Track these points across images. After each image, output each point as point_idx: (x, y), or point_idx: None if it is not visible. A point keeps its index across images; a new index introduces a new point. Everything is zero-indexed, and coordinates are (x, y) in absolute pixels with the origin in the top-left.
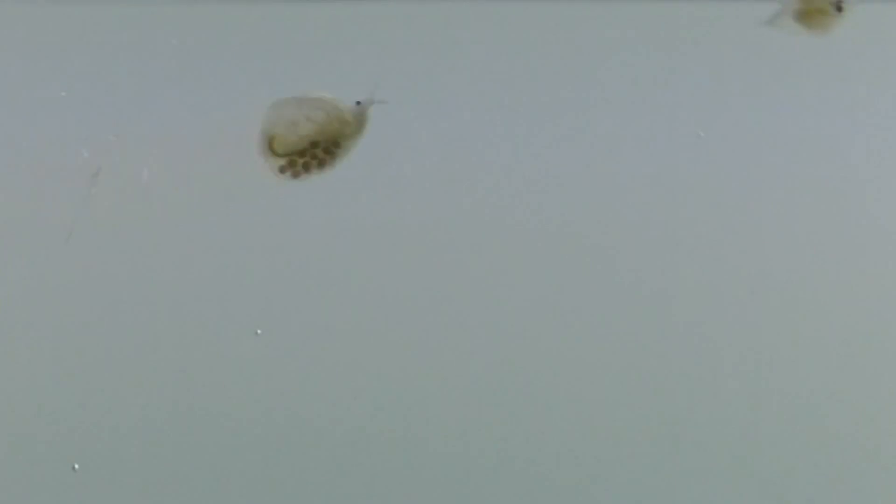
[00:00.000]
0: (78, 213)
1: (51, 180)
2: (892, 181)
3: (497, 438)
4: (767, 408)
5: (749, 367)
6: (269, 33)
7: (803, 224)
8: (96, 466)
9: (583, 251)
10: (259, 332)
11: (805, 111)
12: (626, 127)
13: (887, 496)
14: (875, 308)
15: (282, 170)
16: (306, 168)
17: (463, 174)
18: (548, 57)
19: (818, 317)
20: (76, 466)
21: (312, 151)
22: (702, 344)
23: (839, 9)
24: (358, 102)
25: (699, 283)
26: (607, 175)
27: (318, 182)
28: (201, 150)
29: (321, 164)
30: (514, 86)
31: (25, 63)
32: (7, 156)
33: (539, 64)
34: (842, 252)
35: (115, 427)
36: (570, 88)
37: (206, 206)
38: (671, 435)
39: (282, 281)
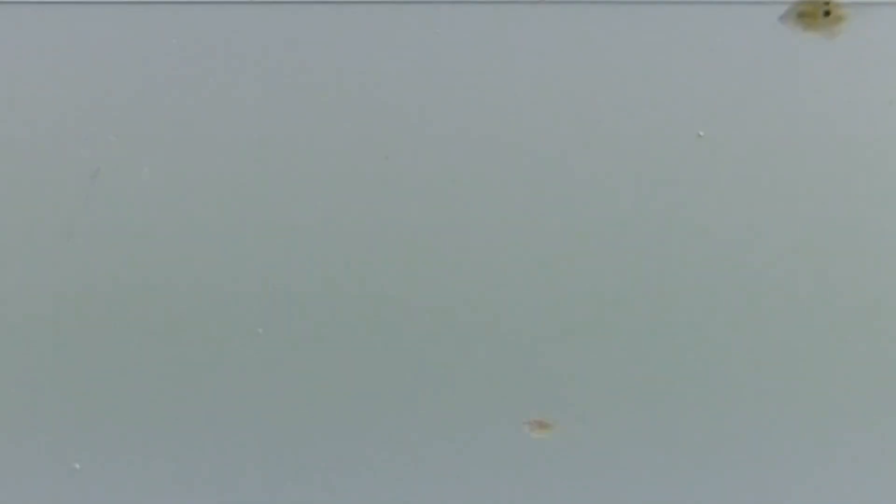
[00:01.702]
0: (78, 213)
1: (51, 180)
2: (892, 181)
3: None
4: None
5: (748, 365)
6: (269, 34)
7: (803, 223)
8: (96, 466)
9: (583, 249)
10: (259, 331)
11: (806, 111)
12: (628, 126)
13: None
14: (874, 307)
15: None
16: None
17: (464, 174)
18: (550, 57)
19: (816, 314)
20: (76, 466)
21: None
22: (698, 345)
23: (826, 13)
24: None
25: (698, 281)
26: (608, 174)
27: (317, 182)
28: (201, 150)
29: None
30: (514, 86)
31: (25, 63)
32: (7, 156)
33: (541, 64)
34: (843, 252)
35: (115, 427)
36: (573, 88)
37: (206, 206)
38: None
39: (282, 281)
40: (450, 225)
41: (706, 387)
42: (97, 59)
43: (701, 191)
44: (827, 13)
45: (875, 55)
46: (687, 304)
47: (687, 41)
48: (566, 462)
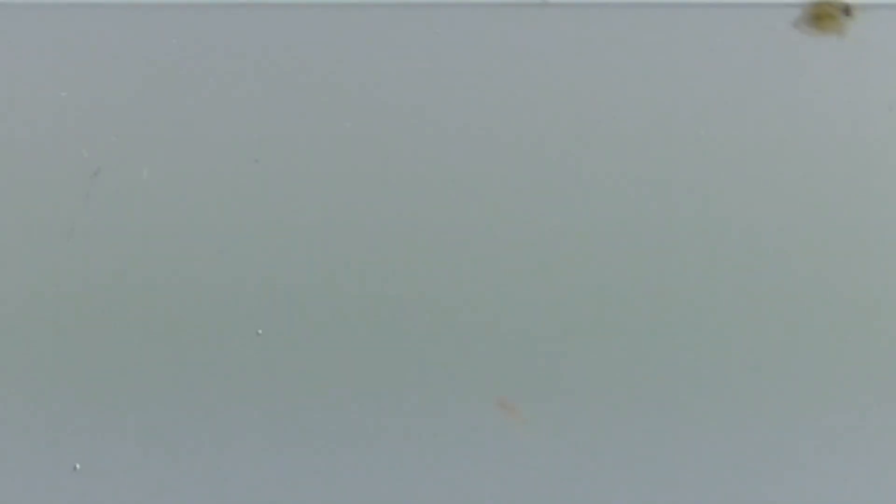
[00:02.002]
0: (78, 213)
1: (51, 180)
2: (893, 182)
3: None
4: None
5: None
6: (269, 34)
7: (804, 224)
8: (96, 466)
9: (583, 250)
10: (259, 332)
11: (807, 112)
12: (628, 127)
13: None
14: (875, 308)
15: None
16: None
17: (464, 174)
18: (551, 58)
19: (816, 316)
20: (77, 466)
21: None
22: (698, 345)
23: (847, 13)
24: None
25: (698, 282)
26: (608, 174)
27: (317, 182)
28: (201, 150)
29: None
30: (515, 87)
31: (25, 63)
32: (7, 156)
33: (542, 65)
34: (844, 252)
35: (115, 427)
36: (574, 89)
37: (206, 206)
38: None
39: (282, 281)
40: (450, 225)
41: (705, 386)
42: (97, 59)
43: (700, 192)
44: (847, 12)
45: (876, 56)
46: (686, 305)
47: (687, 42)
48: (563, 461)
